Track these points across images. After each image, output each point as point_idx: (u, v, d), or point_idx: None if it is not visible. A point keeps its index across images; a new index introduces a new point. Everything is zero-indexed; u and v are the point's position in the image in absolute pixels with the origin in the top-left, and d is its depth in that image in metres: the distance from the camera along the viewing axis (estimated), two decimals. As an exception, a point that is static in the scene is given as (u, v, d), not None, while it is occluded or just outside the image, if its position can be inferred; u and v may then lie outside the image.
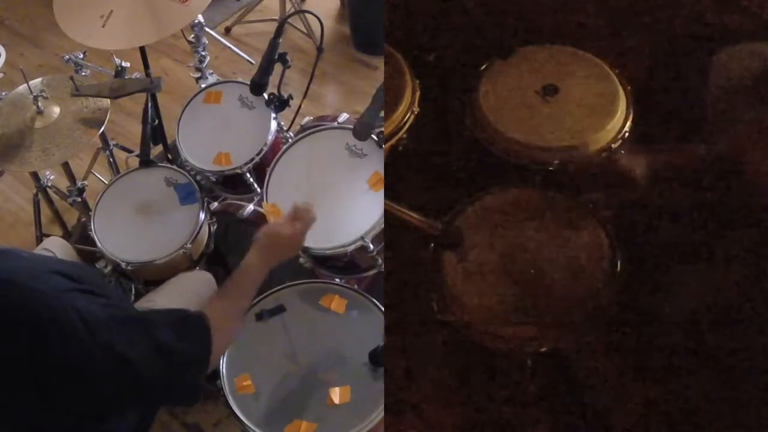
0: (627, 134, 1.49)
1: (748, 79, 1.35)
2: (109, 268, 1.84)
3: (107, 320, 1.06)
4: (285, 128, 1.89)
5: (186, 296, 1.63)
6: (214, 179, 1.94)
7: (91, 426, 1.20)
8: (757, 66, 1.36)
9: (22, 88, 2.01)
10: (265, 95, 1.75)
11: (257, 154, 1.86)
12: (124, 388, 1.11)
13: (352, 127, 1.56)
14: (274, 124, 1.88)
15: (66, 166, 2.18)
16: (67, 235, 2.42)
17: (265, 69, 1.68)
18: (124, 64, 2.02)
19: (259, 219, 1.84)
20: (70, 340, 1.02)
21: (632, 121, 1.50)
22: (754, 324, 1.24)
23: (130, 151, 2.51)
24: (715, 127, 1.33)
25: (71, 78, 1.93)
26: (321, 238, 1.59)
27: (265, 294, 1.61)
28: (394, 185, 1.55)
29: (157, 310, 1.25)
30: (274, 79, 1.71)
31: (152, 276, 1.84)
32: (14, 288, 1.01)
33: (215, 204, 2.03)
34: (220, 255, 2.03)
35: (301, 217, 1.43)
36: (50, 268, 1.09)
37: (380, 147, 1.60)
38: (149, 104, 2.00)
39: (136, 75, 2.04)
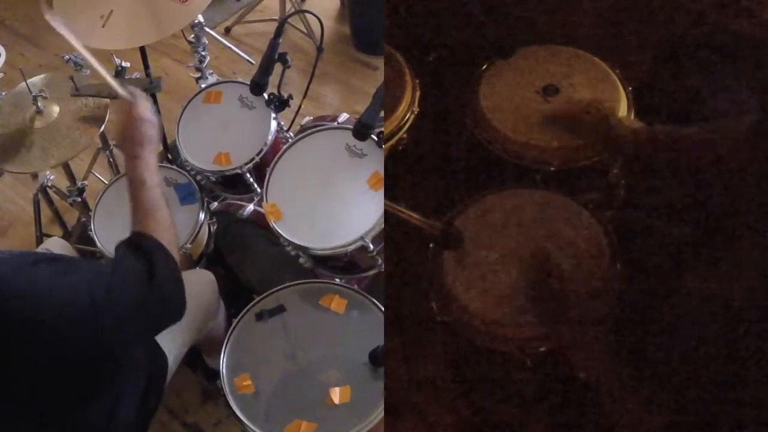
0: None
1: None
2: (109, 268, 1.83)
3: (94, 281, 1.08)
4: (285, 128, 1.89)
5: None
6: (214, 179, 1.94)
7: (99, 385, 1.22)
8: None
9: (22, 87, 2.01)
10: (265, 95, 1.75)
11: (257, 154, 1.86)
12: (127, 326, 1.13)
13: (352, 127, 1.56)
14: (274, 124, 1.88)
15: (66, 166, 2.18)
16: (67, 235, 2.42)
17: (265, 69, 1.68)
18: (124, 64, 2.02)
19: (259, 219, 1.84)
20: (72, 325, 1.03)
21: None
22: (755, 324, 1.24)
23: (130, 151, 2.50)
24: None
25: (71, 78, 1.94)
26: (321, 238, 1.59)
27: (265, 294, 1.61)
28: (394, 185, 1.55)
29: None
30: (274, 79, 1.71)
31: (152, 276, 1.84)
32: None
33: (215, 204, 2.03)
34: (220, 255, 2.03)
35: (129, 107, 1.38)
36: (30, 260, 1.09)
37: (380, 147, 1.60)
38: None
39: (136, 75, 2.04)
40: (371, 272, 1.71)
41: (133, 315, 1.12)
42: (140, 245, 1.19)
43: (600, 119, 1.42)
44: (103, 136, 2.26)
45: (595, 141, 1.43)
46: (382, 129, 1.55)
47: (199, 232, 1.81)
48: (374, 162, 1.62)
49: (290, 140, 1.77)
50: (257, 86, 1.70)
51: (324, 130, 1.74)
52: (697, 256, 1.34)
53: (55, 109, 1.98)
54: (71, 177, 2.22)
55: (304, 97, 1.84)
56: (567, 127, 1.46)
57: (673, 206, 1.38)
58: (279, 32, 1.67)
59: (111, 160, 2.37)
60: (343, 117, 1.96)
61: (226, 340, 1.55)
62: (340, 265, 1.71)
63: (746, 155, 1.24)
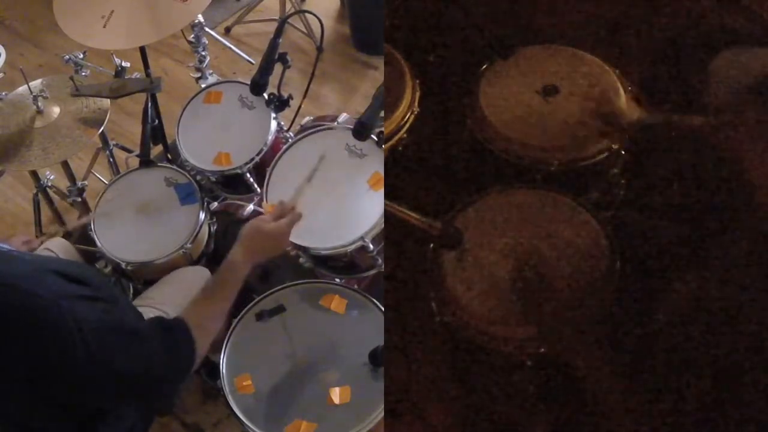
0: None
1: (750, 80, 1.36)
2: (109, 268, 1.83)
3: (103, 330, 1.06)
4: (285, 128, 1.89)
5: (183, 292, 1.63)
6: (214, 179, 1.94)
7: (87, 425, 1.21)
8: (759, 68, 1.37)
9: (22, 88, 2.02)
10: (265, 95, 1.75)
11: (257, 154, 1.86)
12: (113, 396, 1.15)
13: (352, 127, 1.56)
14: (274, 124, 1.88)
15: (66, 166, 2.18)
16: (67, 235, 2.42)
17: (265, 69, 1.68)
18: (124, 64, 2.02)
19: (259, 219, 1.84)
20: (65, 350, 1.02)
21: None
22: (754, 324, 1.24)
23: (130, 151, 2.51)
24: (715, 128, 1.34)
25: (71, 78, 1.94)
26: (321, 238, 1.59)
27: (265, 294, 1.61)
28: (394, 185, 1.55)
29: (149, 320, 1.25)
30: (274, 79, 1.71)
31: (152, 276, 1.84)
32: (15, 293, 1.01)
33: (215, 204, 2.03)
34: (220, 255, 2.03)
35: (286, 215, 1.43)
36: (52, 268, 1.09)
37: (380, 147, 1.60)
38: (149, 104, 2.00)
39: (136, 75, 2.04)
40: (371, 272, 1.71)
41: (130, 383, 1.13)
42: (177, 339, 1.21)
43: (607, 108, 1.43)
44: (103, 136, 2.26)
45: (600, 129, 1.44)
46: (382, 129, 1.55)
47: (199, 232, 1.81)
48: (374, 162, 1.62)
49: (290, 140, 1.77)
50: (257, 86, 1.70)
51: (324, 130, 1.74)
52: (696, 256, 1.34)
53: (56, 109, 1.98)
54: (71, 177, 2.22)
55: (304, 97, 1.84)
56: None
57: (673, 206, 1.38)
58: (279, 32, 1.67)
59: (111, 160, 2.38)
60: (343, 117, 1.96)
61: (226, 340, 1.55)
62: (340, 265, 1.71)
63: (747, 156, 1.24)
